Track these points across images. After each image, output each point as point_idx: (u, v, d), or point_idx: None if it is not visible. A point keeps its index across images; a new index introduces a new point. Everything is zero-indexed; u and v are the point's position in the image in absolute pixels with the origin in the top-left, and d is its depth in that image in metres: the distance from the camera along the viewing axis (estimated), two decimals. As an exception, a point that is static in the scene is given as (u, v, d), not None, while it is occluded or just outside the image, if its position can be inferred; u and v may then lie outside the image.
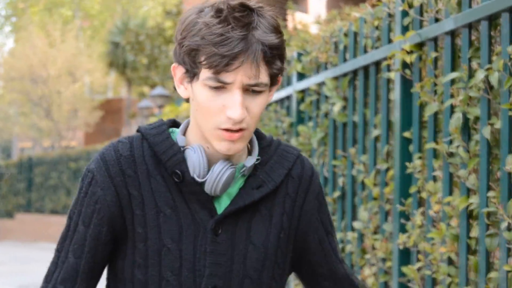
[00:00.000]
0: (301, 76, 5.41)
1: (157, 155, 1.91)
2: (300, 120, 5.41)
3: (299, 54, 5.43)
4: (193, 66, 1.84)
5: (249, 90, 1.81)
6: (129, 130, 22.41)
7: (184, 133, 1.96)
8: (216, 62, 1.78)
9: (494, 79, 2.90)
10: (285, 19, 13.61)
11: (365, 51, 4.33)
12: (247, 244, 1.94)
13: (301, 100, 5.39)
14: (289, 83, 5.65)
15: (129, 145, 1.93)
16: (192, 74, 1.85)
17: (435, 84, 3.45)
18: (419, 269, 3.58)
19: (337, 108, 4.62)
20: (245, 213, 1.95)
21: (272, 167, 1.97)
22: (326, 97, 4.87)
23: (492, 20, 3.01)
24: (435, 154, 3.46)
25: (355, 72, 4.48)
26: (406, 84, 3.74)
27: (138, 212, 1.90)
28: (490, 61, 2.99)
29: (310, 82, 5.14)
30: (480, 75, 2.98)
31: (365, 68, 4.32)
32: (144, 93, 27.52)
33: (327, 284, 2.09)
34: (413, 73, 3.66)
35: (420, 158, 3.63)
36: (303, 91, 5.36)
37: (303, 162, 2.04)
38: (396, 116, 3.81)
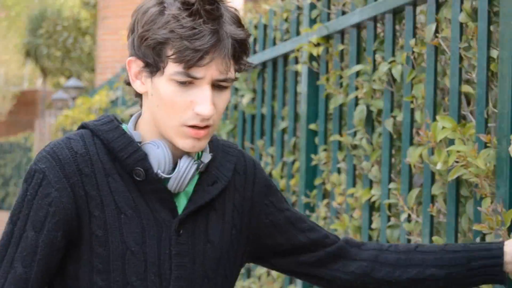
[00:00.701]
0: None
1: (113, 152, 1.81)
2: (210, 112, 5.37)
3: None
4: (157, 60, 1.76)
5: (216, 85, 1.77)
6: (43, 122, 22.11)
7: (135, 129, 1.89)
8: (189, 56, 1.71)
9: (396, 72, 2.91)
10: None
11: (274, 44, 4.32)
12: (205, 243, 1.89)
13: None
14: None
15: (82, 142, 1.81)
16: (155, 68, 1.77)
17: (341, 77, 3.46)
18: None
19: (246, 100, 4.60)
20: (202, 211, 1.89)
21: (220, 162, 1.93)
22: (236, 89, 4.85)
23: (397, 13, 3.02)
24: (340, 146, 3.47)
25: (264, 65, 4.47)
26: (313, 77, 3.74)
27: (97, 214, 1.79)
28: (394, 54, 3.01)
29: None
30: (383, 68, 2.99)
31: (274, 61, 4.31)
32: (60, 84, 27.12)
33: (298, 259, 2.05)
34: (320, 65, 3.66)
35: (325, 150, 3.63)
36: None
37: (244, 155, 2.01)
38: (302, 108, 3.81)
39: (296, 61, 3.98)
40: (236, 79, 1.82)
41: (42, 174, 1.77)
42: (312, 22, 3.76)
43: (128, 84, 1.86)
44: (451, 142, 2.50)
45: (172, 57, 1.74)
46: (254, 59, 4.50)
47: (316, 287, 2.79)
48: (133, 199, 1.81)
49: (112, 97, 9.34)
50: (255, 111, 4.58)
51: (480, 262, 1.98)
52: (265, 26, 4.45)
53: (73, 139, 1.81)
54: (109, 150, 1.82)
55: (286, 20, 4.21)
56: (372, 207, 3.15)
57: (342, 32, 3.47)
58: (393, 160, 3.07)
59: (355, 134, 3.29)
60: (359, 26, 3.31)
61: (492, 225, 2.24)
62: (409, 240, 2.82)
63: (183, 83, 1.75)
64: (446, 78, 2.72)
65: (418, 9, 2.89)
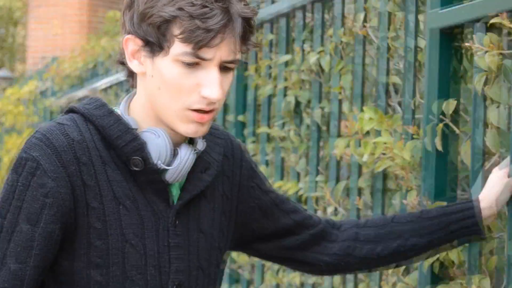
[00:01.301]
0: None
1: (109, 139, 1.69)
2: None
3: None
4: (162, 39, 1.63)
5: (222, 67, 1.66)
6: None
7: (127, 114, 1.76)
8: (200, 36, 1.60)
9: (325, 62, 2.86)
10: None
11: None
12: (198, 233, 1.79)
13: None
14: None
15: (77, 128, 1.68)
16: (157, 48, 1.64)
17: (270, 67, 3.39)
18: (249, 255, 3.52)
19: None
20: (193, 200, 1.79)
21: (210, 147, 1.82)
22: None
23: (326, 2, 2.97)
24: (269, 138, 3.41)
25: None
26: (241, 67, 3.67)
27: (95, 205, 1.67)
28: (322, 44, 2.95)
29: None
30: (312, 58, 2.94)
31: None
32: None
33: (282, 243, 1.97)
34: (249, 55, 3.59)
35: (254, 142, 3.57)
36: (143, 73, 5.21)
37: (230, 138, 1.92)
38: (231, 99, 3.74)
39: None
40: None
41: (36, 162, 1.64)
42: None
43: (122, 63, 1.73)
44: (378, 133, 2.45)
45: (180, 36, 1.61)
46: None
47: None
48: (130, 189, 1.70)
49: (41, 88, 9.15)
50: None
51: (460, 224, 1.95)
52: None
53: (67, 125, 1.68)
54: (104, 137, 1.69)
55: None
56: (299, 200, 3.09)
57: (271, 21, 3.41)
58: (322, 152, 3.02)
59: (283, 125, 3.23)
60: (288, 15, 3.25)
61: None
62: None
63: (190, 65, 1.64)
64: (375, 69, 2.67)
65: (347, -2, 2.85)
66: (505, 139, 2.04)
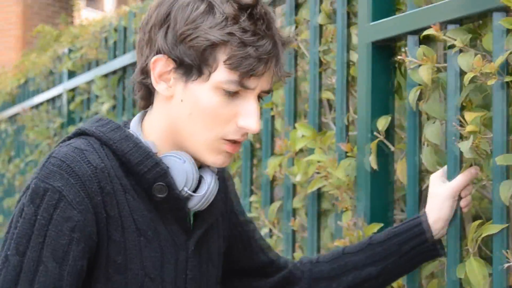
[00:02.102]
0: (72, 74, 5.11)
1: (128, 165, 1.56)
2: (71, 120, 5.11)
3: (70, 51, 5.12)
4: (203, 64, 1.52)
5: (258, 96, 1.58)
6: None
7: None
8: (251, 65, 1.50)
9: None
10: (70, 15, 13.18)
11: (134, 47, 4.10)
12: (207, 263, 1.70)
13: (71, 99, 5.08)
14: (60, 81, 5.33)
15: (96, 154, 1.54)
16: (196, 72, 1.53)
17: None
18: None
19: (106, 107, 4.36)
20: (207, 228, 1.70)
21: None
22: (97, 96, 4.60)
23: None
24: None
25: (124, 70, 4.24)
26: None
27: (117, 238, 1.53)
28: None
29: (80, 81, 4.85)
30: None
31: (134, 65, 4.08)
32: None
33: (252, 284, 1.89)
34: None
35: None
36: (73, 90, 5.06)
37: None
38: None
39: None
40: None
41: (58, 194, 1.47)
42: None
43: (141, 82, 1.60)
44: (311, 151, 2.35)
45: (229, 63, 1.51)
46: (114, 64, 4.27)
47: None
48: (151, 219, 1.58)
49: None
50: (115, 119, 4.35)
51: (411, 243, 1.85)
52: (125, 29, 4.23)
53: (86, 150, 1.53)
54: (123, 163, 1.56)
55: (146, 23, 3.99)
56: (233, 221, 2.97)
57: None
58: (256, 171, 2.90)
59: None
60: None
61: (353, 240, 2.10)
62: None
63: (230, 93, 1.54)
64: (307, 84, 2.57)
65: (277, 10, 2.74)
66: (442, 157, 1.95)
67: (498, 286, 1.69)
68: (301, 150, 2.48)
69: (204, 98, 1.54)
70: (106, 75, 4.45)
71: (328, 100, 2.52)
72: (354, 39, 2.25)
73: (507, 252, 1.67)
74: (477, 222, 1.77)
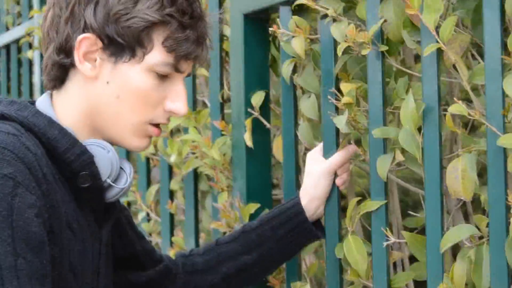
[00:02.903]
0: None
1: (54, 153, 1.43)
2: None
3: None
4: (137, 45, 1.45)
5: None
6: None
7: None
8: (189, 48, 1.47)
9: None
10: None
11: (7, 29, 3.91)
12: (108, 255, 1.61)
13: None
14: None
15: (29, 140, 1.39)
16: (128, 53, 1.46)
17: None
18: None
19: (-21, 92, 4.15)
20: None
21: None
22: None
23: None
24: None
25: (-1, 52, 4.04)
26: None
27: (55, 230, 1.40)
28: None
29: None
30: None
31: (7, 48, 3.90)
32: None
33: (128, 278, 1.76)
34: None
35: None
36: None
37: None
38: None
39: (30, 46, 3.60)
40: None
41: (12, 180, 1.32)
42: (43, 3, 3.39)
43: (57, 62, 1.48)
44: (186, 131, 2.24)
45: (167, 45, 1.46)
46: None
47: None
48: (74, 209, 1.48)
49: None
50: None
51: (286, 227, 1.75)
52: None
53: (21, 136, 1.38)
54: (48, 150, 1.43)
55: (18, 3, 3.82)
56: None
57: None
58: (132, 153, 2.77)
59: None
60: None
61: (230, 222, 2.00)
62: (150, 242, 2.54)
63: (161, 76, 1.49)
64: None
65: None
66: (318, 131, 1.87)
67: (378, 265, 1.62)
68: (178, 130, 2.37)
69: (135, 80, 1.48)
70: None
71: (204, 77, 2.42)
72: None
73: (386, 230, 1.60)
74: (356, 199, 1.69)
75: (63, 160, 1.45)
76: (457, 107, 1.37)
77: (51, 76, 1.52)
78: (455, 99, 1.39)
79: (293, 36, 1.80)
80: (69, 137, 1.47)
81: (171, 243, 2.37)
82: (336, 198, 1.74)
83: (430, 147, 1.49)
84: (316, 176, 1.73)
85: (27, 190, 1.33)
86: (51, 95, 1.54)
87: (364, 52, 1.60)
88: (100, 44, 1.47)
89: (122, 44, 1.46)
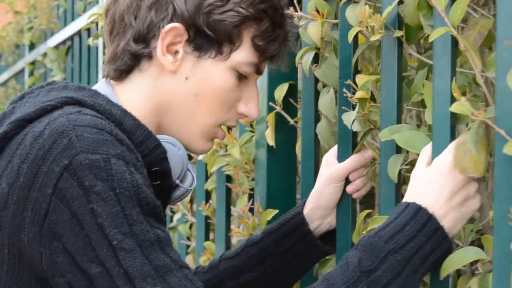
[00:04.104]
0: (32, 46, 4.82)
1: (131, 144, 1.28)
2: (32, 96, 4.83)
3: (28, 21, 4.83)
4: (226, 41, 1.35)
5: None
6: None
7: None
8: (278, 49, 1.39)
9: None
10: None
11: (80, 15, 3.80)
12: None
13: (31, 74, 4.80)
14: (22, 55, 5.05)
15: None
16: (216, 49, 1.35)
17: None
18: None
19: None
20: None
21: None
22: (51, 69, 4.31)
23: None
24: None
25: (72, 39, 3.94)
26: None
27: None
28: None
29: (38, 53, 4.56)
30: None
31: (80, 34, 3.79)
32: None
33: None
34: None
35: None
36: (33, 63, 4.77)
37: None
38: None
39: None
40: None
41: (122, 160, 1.21)
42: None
43: (134, 52, 1.36)
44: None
45: (257, 43, 1.36)
46: (63, 34, 3.99)
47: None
48: None
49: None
50: (66, 93, 4.05)
51: (289, 240, 1.55)
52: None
53: (105, 122, 1.26)
54: (123, 141, 1.27)
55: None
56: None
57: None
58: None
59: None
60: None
61: (247, 229, 1.79)
62: (188, 246, 2.36)
63: (241, 76, 1.38)
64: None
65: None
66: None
67: None
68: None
69: (217, 78, 1.37)
70: (57, 46, 4.16)
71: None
72: None
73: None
74: (365, 212, 1.46)
75: (139, 153, 1.30)
76: (460, 106, 1.12)
77: (119, 65, 1.38)
78: (455, 95, 1.14)
79: (312, 21, 1.58)
80: (144, 129, 1.33)
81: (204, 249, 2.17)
82: (349, 208, 1.51)
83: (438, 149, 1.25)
84: (323, 181, 1.52)
85: (136, 169, 1.22)
86: (111, 85, 1.40)
87: (374, 37, 1.37)
88: (186, 36, 1.35)
89: (211, 38, 1.35)
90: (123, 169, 1.20)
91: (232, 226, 2.06)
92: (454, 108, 1.14)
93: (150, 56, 1.37)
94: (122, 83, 1.39)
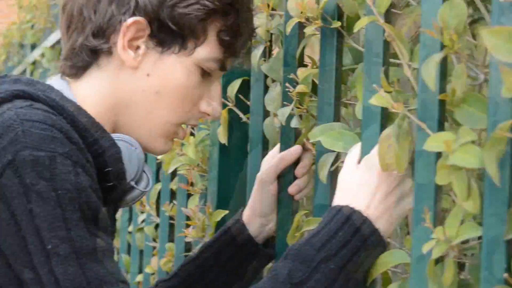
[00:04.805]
0: (34, 46, 4.80)
1: (84, 142, 1.22)
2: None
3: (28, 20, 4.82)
4: (191, 35, 1.28)
5: None
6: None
7: None
8: (243, 45, 1.33)
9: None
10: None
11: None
12: None
13: (31, 74, 4.78)
14: (25, 55, 5.04)
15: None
16: (179, 44, 1.28)
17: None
18: None
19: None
20: None
21: None
22: (49, 69, 4.28)
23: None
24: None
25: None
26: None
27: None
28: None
29: (37, 53, 4.54)
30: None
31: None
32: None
33: None
34: None
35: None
36: (34, 63, 4.75)
37: None
38: None
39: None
40: None
41: (69, 160, 1.15)
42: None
43: (92, 47, 1.28)
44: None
45: (223, 38, 1.29)
46: (59, 33, 3.95)
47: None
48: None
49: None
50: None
51: (229, 250, 1.47)
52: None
53: (54, 117, 1.19)
54: (73, 139, 1.20)
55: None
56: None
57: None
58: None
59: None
60: None
61: (197, 230, 1.72)
62: (154, 248, 2.29)
63: (205, 73, 1.32)
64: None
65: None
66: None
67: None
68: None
69: (180, 75, 1.30)
70: (53, 46, 4.13)
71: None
72: None
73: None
74: (302, 212, 1.38)
75: (91, 152, 1.23)
76: (379, 99, 1.05)
77: (76, 62, 1.30)
78: (375, 86, 1.06)
79: (259, 13, 1.51)
80: (98, 127, 1.26)
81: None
82: (290, 210, 1.43)
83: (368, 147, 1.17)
84: (256, 186, 1.46)
85: (83, 170, 1.16)
86: (66, 82, 1.32)
87: (310, 28, 1.30)
88: (148, 30, 1.28)
89: (174, 32, 1.28)
90: (68, 169, 1.14)
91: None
92: (373, 100, 1.06)
93: (109, 52, 1.30)
94: (78, 80, 1.32)
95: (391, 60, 1.19)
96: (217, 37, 1.30)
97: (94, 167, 1.21)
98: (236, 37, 1.31)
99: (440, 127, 1.02)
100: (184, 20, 1.27)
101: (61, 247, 1.12)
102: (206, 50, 1.30)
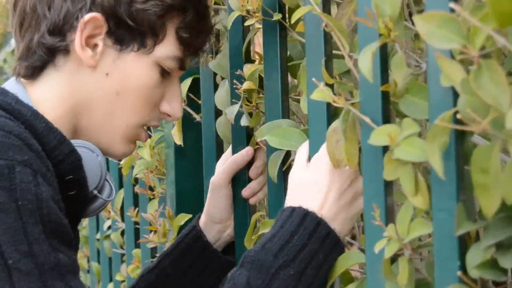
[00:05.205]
0: (-3, 52, 4.73)
1: (43, 149, 1.16)
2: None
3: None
4: (150, 33, 1.23)
5: None
6: None
7: None
8: (202, 43, 1.29)
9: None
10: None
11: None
12: None
13: (-5, 81, 4.70)
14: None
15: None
16: (139, 43, 1.23)
17: None
18: None
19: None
20: None
21: None
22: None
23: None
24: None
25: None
26: None
27: None
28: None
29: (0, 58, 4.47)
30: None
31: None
32: None
33: None
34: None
35: None
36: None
37: None
38: None
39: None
40: None
41: (29, 168, 1.09)
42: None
43: (49, 46, 1.22)
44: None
45: (182, 35, 1.25)
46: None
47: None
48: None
49: None
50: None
51: (188, 258, 1.43)
52: None
53: (11, 123, 1.14)
54: (33, 146, 1.15)
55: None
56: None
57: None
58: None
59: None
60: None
61: (159, 236, 1.67)
62: (123, 255, 2.24)
63: (165, 73, 1.27)
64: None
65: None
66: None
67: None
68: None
69: (140, 74, 1.25)
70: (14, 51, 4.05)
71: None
72: None
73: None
74: (257, 214, 1.33)
75: (51, 159, 1.17)
76: (319, 93, 1.00)
77: (32, 62, 1.23)
78: (315, 81, 1.01)
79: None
80: (57, 133, 1.20)
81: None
82: (246, 213, 1.38)
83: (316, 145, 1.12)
84: (210, 190, 1.40)
85: (44, 180, 1.11)
86: (22, 84, 1.26)
87: (250, 22, 1.25)
88: (106, 27, 1.23)
89: (133, 29, 1.23)
90: (28, 179, 1.09)
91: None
92: (314, 95, 1.01)
93: (66, 51, 1.24)
94: (34, 81, 1.25)
95: (335, 52, 1.14)
96: (176, 35, 1.26)
97: (54, 175, 1.15)
98: (195, 34, 1.27)
99: (386, 120, 0.97)
100: (142, 16, 1.23)
101: (23, 261, 1.06)
102: (166, 48, 1.25)
